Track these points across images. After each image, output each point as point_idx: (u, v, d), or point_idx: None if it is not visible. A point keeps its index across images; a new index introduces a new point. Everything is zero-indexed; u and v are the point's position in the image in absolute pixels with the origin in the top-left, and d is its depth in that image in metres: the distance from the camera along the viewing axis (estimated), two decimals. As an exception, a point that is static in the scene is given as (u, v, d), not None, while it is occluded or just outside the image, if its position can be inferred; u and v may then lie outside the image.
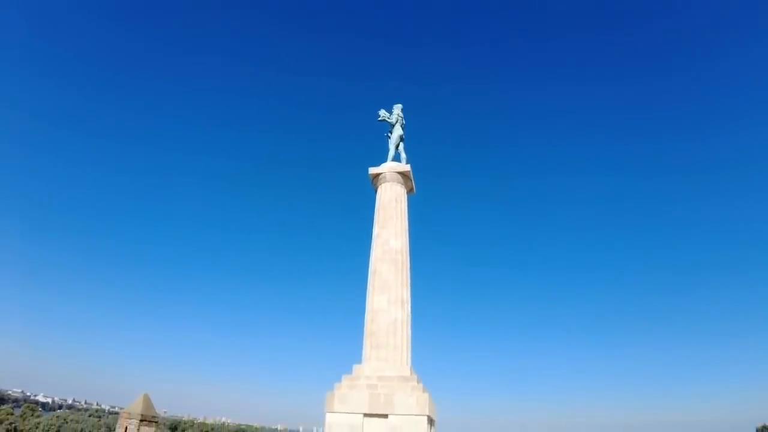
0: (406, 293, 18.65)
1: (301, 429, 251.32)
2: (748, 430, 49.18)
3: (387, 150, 21.69)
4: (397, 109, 22.51)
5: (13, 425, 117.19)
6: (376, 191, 21.08)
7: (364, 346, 18.07)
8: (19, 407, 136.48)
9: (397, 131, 21.95)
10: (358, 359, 18.25)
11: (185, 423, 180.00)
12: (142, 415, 26.54)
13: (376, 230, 19.85)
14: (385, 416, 15.79)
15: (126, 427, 25.91)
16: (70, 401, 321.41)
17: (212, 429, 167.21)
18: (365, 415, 16.00)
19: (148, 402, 27.52)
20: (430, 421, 16.55)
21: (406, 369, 17.10)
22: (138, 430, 25.91)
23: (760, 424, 45.81)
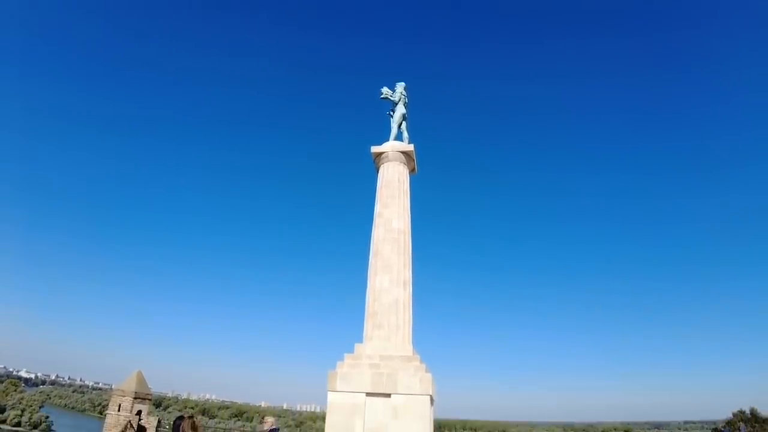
0: (408, 274, 18.57)
1: (284, 405, 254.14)
2: (724, 415, 50.74)
3: (389, 129, 21.35)
4: (400, 87, 22.01)
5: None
6: (377, 171, 20.81)
7: (365, 326, 18.00)
8: (2, 383, 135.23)
9: (400, 110, 21.51)
10: (357, 341, 18.14)
11: (169, 400, 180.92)
12: (135, 392, 26.30)
13: (377, 210, 19.62)
14: (388, 396, 15.81)
15: (120, 405, 25.69)
16: (53, 377, 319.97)
17: (196, 405, 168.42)
18: (368, 394, 15.98)
19: (141, 379, 27.27)
20: (431, 401, 16.68)
21: (408, 349, 17.12)
22: (132, 407, 25.73)
23: (736, 410, 47.28)
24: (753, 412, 46.35)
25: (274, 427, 10.26)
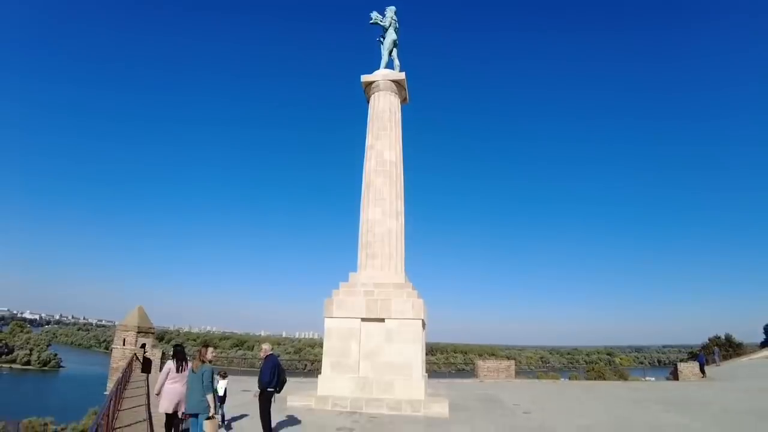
0: (400, 205, 18.66)
1: (284, 334, 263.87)
2: (701, 340, 53.45)
3: (380, 57, 20.50)
4: (390, 11, 20.78)
5: (3, 341, 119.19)
6: (368, 101, 20.25)
7: (359, 256, 18.32)
8: (7, 325, 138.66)
9: (391, 35, 20.47)
10: (351, 270, 18.50)
11: (171, 333, 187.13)
12: (138, 327, 27.23)
13: (369, 141, 19.29)
14: (382, 320, 16.41)
15: (124, 339, 26.64)
16: (57, 317, 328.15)
17: (197, 337, 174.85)
18: (363, 319, 16.58)
19: (143, 314, 28.15)
20: (423, 325, 17.36)
21: (401, 276, 17.58)
22: (136, 341, 26.71)
23: (711, 335, 49.66)
24: (728, 338, 49.02)
25: (270, 353, 10.64)
